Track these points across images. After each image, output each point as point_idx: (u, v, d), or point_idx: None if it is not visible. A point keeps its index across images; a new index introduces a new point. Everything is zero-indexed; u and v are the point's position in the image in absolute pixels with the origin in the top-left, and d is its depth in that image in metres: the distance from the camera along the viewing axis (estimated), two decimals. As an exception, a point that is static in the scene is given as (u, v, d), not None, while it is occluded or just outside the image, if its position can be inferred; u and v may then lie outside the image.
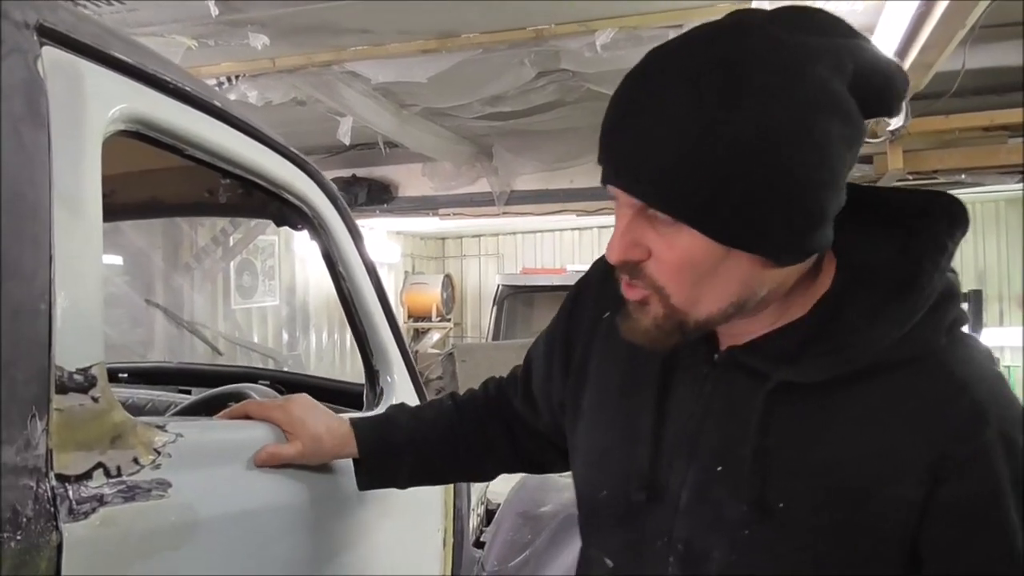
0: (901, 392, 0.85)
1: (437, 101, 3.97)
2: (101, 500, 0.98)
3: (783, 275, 0.87)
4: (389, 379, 1.67)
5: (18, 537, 0.88)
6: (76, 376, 0.98)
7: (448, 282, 10.05)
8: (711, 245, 0.83)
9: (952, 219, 0.91)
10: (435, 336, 9.45)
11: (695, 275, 0.85)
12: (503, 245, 10.95)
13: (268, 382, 1.94)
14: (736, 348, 0.94)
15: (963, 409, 0.83)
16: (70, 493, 0.95)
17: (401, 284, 9.84)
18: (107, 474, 1.00)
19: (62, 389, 0.96)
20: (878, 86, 0.83)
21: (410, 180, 5.72)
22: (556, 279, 6.53)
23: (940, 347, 0.87)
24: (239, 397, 1.79)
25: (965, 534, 0.83)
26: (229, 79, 3.30)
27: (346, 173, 5.62)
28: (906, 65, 2.86)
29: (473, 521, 2.37)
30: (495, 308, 6.05)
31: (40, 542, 0.90)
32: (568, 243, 10.66)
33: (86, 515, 0.95)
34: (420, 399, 1.75)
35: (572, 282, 5.07)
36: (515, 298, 6.17)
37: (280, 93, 3.44)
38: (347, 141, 4.07)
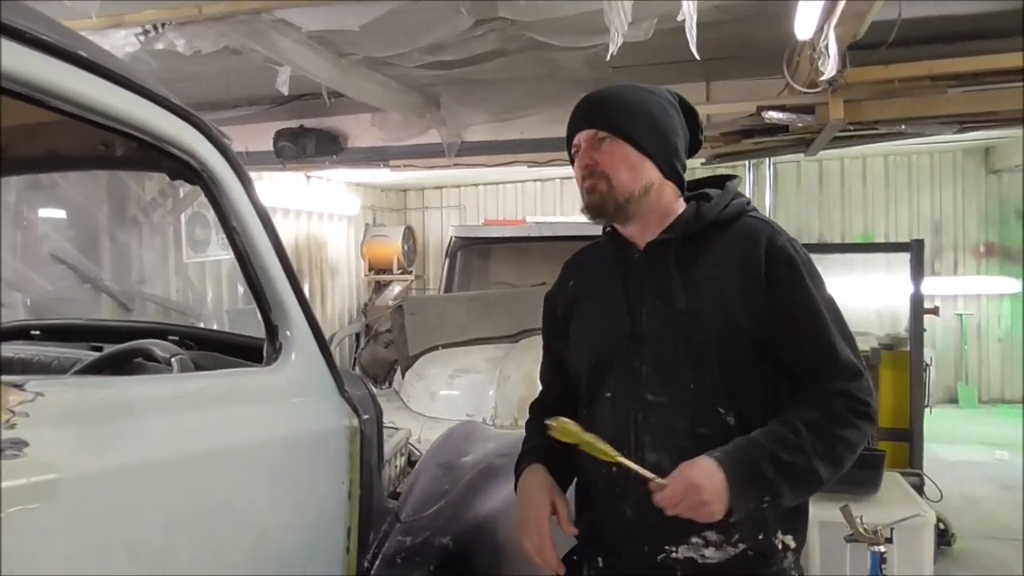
0: (735, 234, 1.67)
1: (376, 50, 3.89)
2: (-52, 459, 0.97)
3: (662, 182, 1.69)
4: (289, 334, 1.67)
5: None
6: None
7: (409, 234, 9.99)
8: (635, 152, 1.65)
9: (732, 179, 1.80)
10: (396, 288, 9.43)
11: (620, 163, 1.65)
12: (465, 197, 10.88)
13: (177, 338, 1.92)
14: (648, 243, 1.70)
15: (767, 230, 1.66)
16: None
17: (361, 236, 9.77)
18: (-45, 433, 0.99)
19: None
20: (691, 114, 1.80)
21: (360, 131, 5.65)
22: (514, 231, 6.50)
23: (746, 213, 1.71)
24: (142, 353, 1.78)
25: (788, 286, 1.60)
26: (155, 27, 3.22)
27: (293, 124, 5.53)
28: (836, 13, 2.85)
29: (391, 473, 2.39)
30: (447, 260, 6.02)
31: None
32: (530, 194, 10.61)
33: (-70, 474, 0.95)
34: (323, 354, 1.75)
35: (532, 234, 5.10)
36: (470, 250, 6.14)
37: (210, 42, 3.36)
38: (285, 91, 4.00)
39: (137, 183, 5.81)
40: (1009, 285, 9.43)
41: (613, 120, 1.67)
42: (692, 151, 1.80)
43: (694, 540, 1.59)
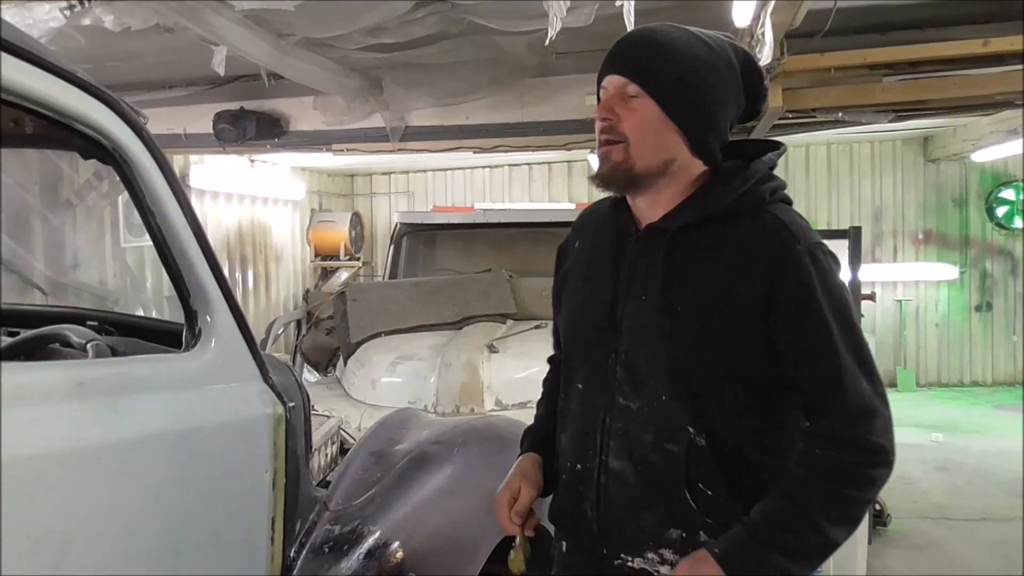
0: (747, 229, 1.43)
1: (313, 31, 3.81)
2: None
3: (690, 160, 1.47)
4: (208, 319, 1.62)
5: None
6: None
7: (357, 220, 9.87)
8: (665, 119, 1.43)
9: (775, 146, 1.55)
10: (344, 275, 9.31)
11: (643, 129, 1.43)
12: (413, 183, 10.78)
13: (96, 323, 1.86)
14: (649, 225, 1.51)
15: (783, 234, 1.41)
16: None
17: (307, 222, 9.63)
18: None
19: None
20: (755, 79, 1.54)
21: (301, 114, 5.54)
22: (460, 217, 6.45)
23: (767, 203, 1.46)
24: (57, 339, 1.72)
25: (795, 313, 1.38)
26: (81, 1, 3.10)
27: (233, 106, 5.41)
28: (772, 1, 2.86)
29: (320, 461, 2.35)
30: (392, 247, 5.95)
31: None
32: (479, 181, 10.55)
33: None
34: (246, 340, 1.71)
35: (480, 220, 5.07)
36: (416, 236, 6.08)
37: (139, 19, 3.25)
38: (222, 71, 3.90)
39: (70, 165, 5.63)
40: (946, 272, 9.68)
41: (648, 74, 1.42)
42: (746, 119, 1.59)
43: (649, 555, 1.50)
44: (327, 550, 1.89)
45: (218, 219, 7.78)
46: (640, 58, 1.44)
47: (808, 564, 1.37)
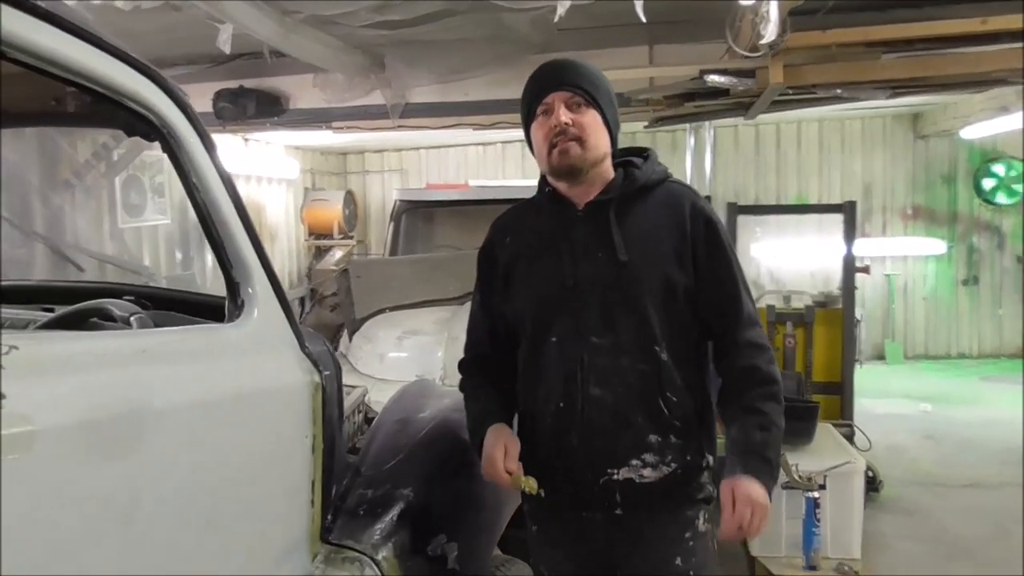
0: (663, 195, 1.94)
1: (321, 8, 3.84)
2: (-70, 410, 0.97)
3: (608, 149, 1.93)
4: (250, 291, 1.67)
5: None
6: None
7: (350, 198, 9.88)
8: (602, 122, 1.89)
9: (650, 151, 2.05)
10: (337, 254, 9.33)
11: (594, 130, 1.87)
12: (406, 160, 10.79)
13: (132, 297, 1.91)
14: (587, 203, 1.93)
15: (689, 195, 1.95)
16: None
17: (301, 200, 9.64)
18: (-68, 384, 0.99)
19: None
20: None
21: (302, 92, 5.56)
22: (456, 194, 6.50)
23: (668, 179, 1.98)
24: (99, 313, 1.77)
25: (708, 245, 1.89)
26: (93, -20, 3.12)
27: (233, 84, 5.41)
28: (778, -21, 2.92)
29: (349, 429, 2.42)
30: (392, 224, 5.99)
31: None
32: (472, 158, 10.58)
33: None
34: (283, 309, 1.76)
35: (474, 197, 5.15)
36: (414, 214, 6.12)
37: (150, -2, 3.28)
38: (227, 49, 3.91)
39: (70, 145, 5.62)
40: (934, 246, 9.81)
41: (589, 88, 1.87)
42: None
43: (633, 462, 1.88)
44: (362, 512, 1.96)
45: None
46: (582, 77, 1.88)
47: (779, 451, 1.87)
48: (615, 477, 1.88)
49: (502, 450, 1.90)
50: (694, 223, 1.89)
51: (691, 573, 1.93)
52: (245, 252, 1.67)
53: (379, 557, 1.89)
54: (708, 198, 2.06)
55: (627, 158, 1.99)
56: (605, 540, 1.95)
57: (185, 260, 7.35)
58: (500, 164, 10.47)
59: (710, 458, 1.97)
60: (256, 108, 5.35)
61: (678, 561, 1.92)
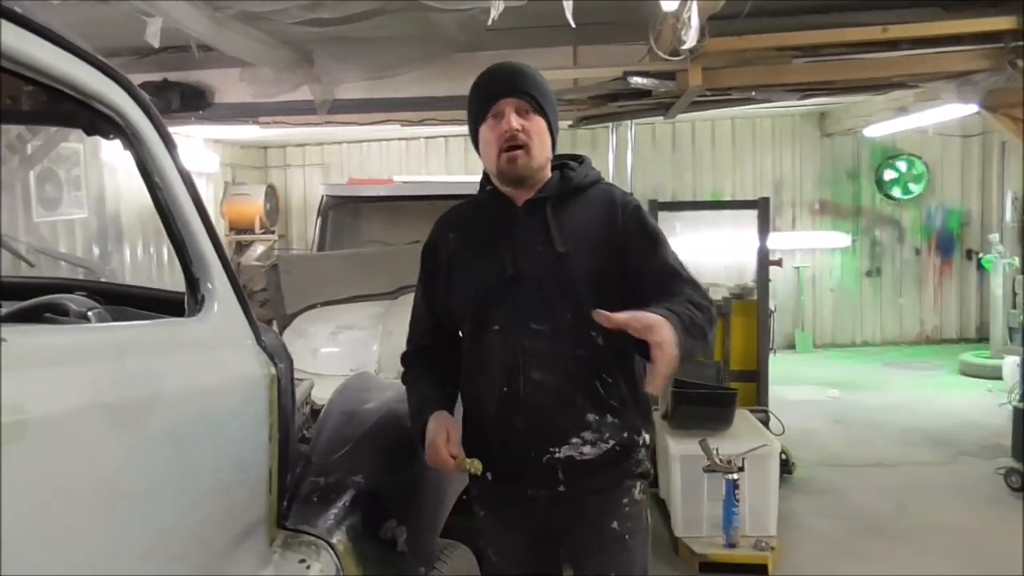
0: (595, 195, 2.08)
1: (252, 4, 3.85)
2: (-72, 401, 1.02)
3: (550, 153, 2.05)
4: (210, 286, 1.73)
5: None
6: None
7: (272, 193, 9.79)
8: (547, 128, 2.00)
9: (585, 158, 2.17)
10: (259, 248, 9.25)
11: (540, 137, 1.98)
12: (328, 155, 10.74)
13: (84, 293, 1.93)
14: (525, 200, 2.05)
15: (619, 194, 2.10)
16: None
17: (221, 195, 9.49)
18: (-70, 377, 1.04)
19: None
20: None
21: (227, 85, 5.52)
22: (383, 190, 6.52)
23: (600, 181, 2.12)
24: (54, 308, 1.79)
25: (639, 236, 2.02)
26: (20, -27, 3.07)
27: (157, 77, 5.34)
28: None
29: (298, 420, 2.48)
30: (319, 219, 5.97)
31: None
32: (395, 153, 10.60)
33: (-85, 414, 1.00)
34: (241, 304, 1.82)
35: (399, 193, 5.18)
36: (341, 209, 6.10)
37: (79, -10, 3.25)
38: (156, 43, 3.89)
39: (-19, 138, 5.45)
40: (840, 240, 10.31)
41: (537, 96, 1.97)
42: None
43: (573, 440, 1.99)
44: (315, 499, 2.03)
45: (131, 194, 7.61)
46: (531, 85, 1.98)
47: (695, 338, 1.85)
48: (557, 455, 1.99)
49: (444, 435, 1.99)
50: (624, 214, 2.03)
51: (626, 537, 2.06)
52: (205, 249, 1.72)
53: (334, 540, 1.97)
54: (630, 194, 2.17)
55: (563, 162, 2.12)
56: (549, 517, 2.07)
57: (104, 254, 7.19)
58: (423, 159, 10.52)
59: (647, 436, 2.09)
60: (181, 102, 5.29)
61: (614, 524, 2.05)
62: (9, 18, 1.29)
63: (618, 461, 2.03)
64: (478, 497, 2.19)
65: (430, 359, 2.20)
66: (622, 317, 1.74)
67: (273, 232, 9.63)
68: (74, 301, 1.78)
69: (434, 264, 2.16)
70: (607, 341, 1.97)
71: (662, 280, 2.00)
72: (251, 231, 9.40)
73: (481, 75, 2.04)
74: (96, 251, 7.13)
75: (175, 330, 1.65)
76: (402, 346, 4.13)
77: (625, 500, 2.07)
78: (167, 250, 8.26)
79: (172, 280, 8.54)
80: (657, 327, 1.72)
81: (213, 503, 1.66)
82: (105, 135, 1.64)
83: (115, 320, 1.74)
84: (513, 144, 1.95)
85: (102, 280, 3.01)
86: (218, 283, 1.75)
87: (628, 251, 2.02)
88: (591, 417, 2.00)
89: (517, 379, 2.00)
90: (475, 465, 2.01)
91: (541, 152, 2.00)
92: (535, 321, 1.99)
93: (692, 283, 2.00)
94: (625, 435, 2.03)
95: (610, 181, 2.23)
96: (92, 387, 1.30)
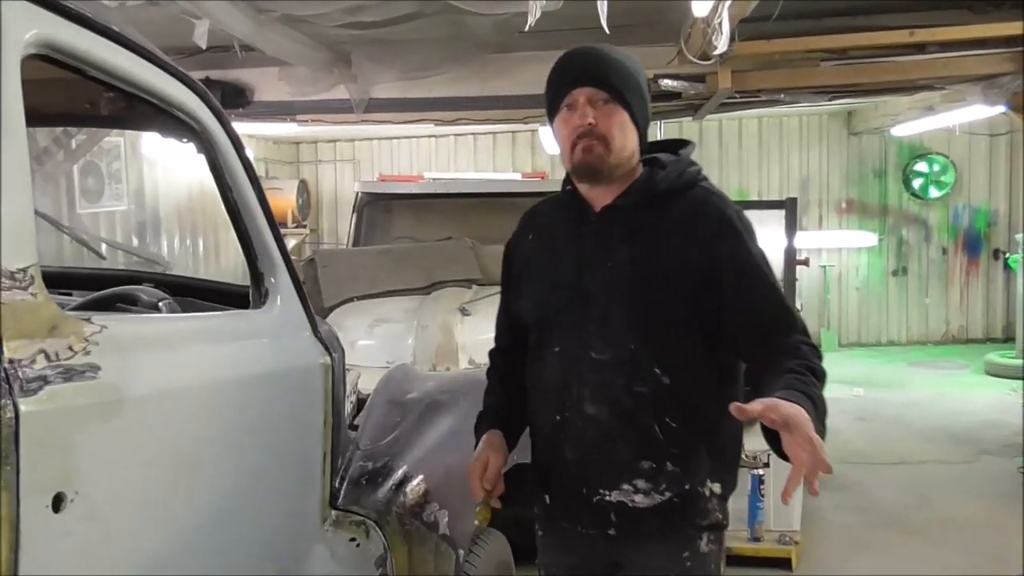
0: (687, 202, 1.78)
1: (296, 8, 3.99)
2: (45, 380, 1.16)
3: (636, 147, 1.78)
4: (273, 280, 1.86)
5: (-18, 409, 1.06)
6: (17, 275, 1.14)
7: (304, 187, 9.96)
8: (630, 120, 1.74)
9: (683, 143, 1.90)
10: (291, 242, 9.41)
11: (620, 130, 1.73)
12: (359, 151, 10.89)
13: (152, 284, 2.07)
14: (603, 207, 1.80)
15: (717, 203, 1.78)
16: (20, 373, 1.12)
17: (254, 189, 9.66)
18: (47, 359, 1.18)
19: (5, 286, 1.12)
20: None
21: (266, 84, 5.67)
22: (415, 187, 6.66)
23: (696, 182, 1.82)
24: (128, 299, 1.93)
25: (735, 262, 1.71)
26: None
27: (199, 76, 5.49)
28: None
29: (347, 408, 2.61)
30: (355, 215, 6.12)
31: (-1, 413, 1.08)
32: (425, 150, 10.72)
33: (35, 391, 1.14)
34: (300, 297, 1.95)
35: (429, 190, 5.31)
36: (374, 205, 6.26)
37: (136, -6, 3.40)
38: (203, 44, 4.04)
39: (29, 133, 5.63)
40: (866, 239, 10.31)
41: (617, 84, 1.73)
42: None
43: (624, 487, 1.75)
44: (364, 482, 2.16)
45: (169, 187, 7.80)
46: (611, 73, 1.74)
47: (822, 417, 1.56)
48: (607, 498, 1.77)
49: (483, 464, 1.85)
50: (720, 232, 1.72)
51: None
52: (270, 246, 1.85)
53: (382, 521, 2.10)
54: (733, 203, 1.85)
55: (656, 154, 1.82)
56: (599, 555, 1.86)
57: (142, 246, 7.38)
58: (452, 156, 10.64)
59: (716, 486, 1.78)
60: (222, 99, 5.43)
61: None
62: (104, 34, 1.42)
63: (678, 512, 1.77)
64: (539, 516, 1.99)
65: (504, 362, 2.05)
66: (756, 408, 1.42)
67: (305, 226, 9.79)
68: (144, 292, 1.92)
69: (509, 266, 2.00)
70: (675, 380, 1.71)
71: (767, 326, 1.68)
72: (283, 225, 9.57)
73: (557, 61, 1.81)
74: (135, 242, 7.32)
75: (243, 321, 1.79)
76: (436, 340, 4.31)
77: (687, 553, 1.79)
78: (203, 242, 8.46)
79: (206, 271, 8.72)
80: (796, 424, 1.39)
81: (279, 481, 1.80)
82: (179, 138, 1.78)
83: (183, 311, 1.88)
84: (591, 137, 1.72)
85: (166, 272, 3.16)
86: (281, 278, 1.88)
87: (720, 281, 1.70)
88: (645, 464, 1.74)
89: (570, 409, 1.78)
90: (484, 515, 2.08)
91: (622, 146, 1.73)
92: (595, 348, 1.74)
93: (803, 329, 1.70)
94: (687, 486, 1.75)
95: (715, 187, 1.86)
96: (177, 371, 1.44)
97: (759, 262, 1.73)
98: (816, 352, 1.64)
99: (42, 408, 1.13)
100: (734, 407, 1.44)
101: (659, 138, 2.00)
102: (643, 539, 1.79)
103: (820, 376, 1.58)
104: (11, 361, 1.11)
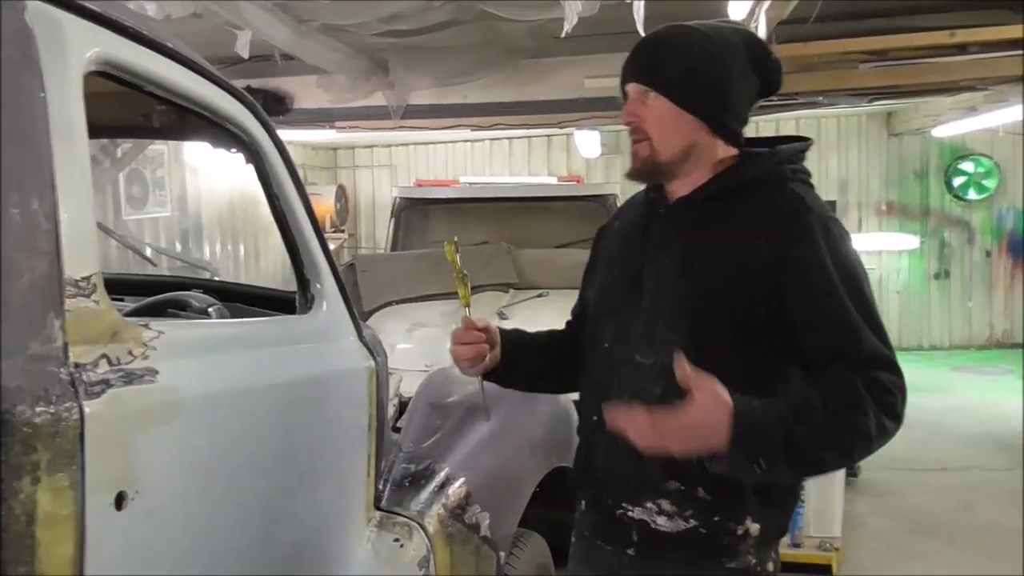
0: (765, 201, 1.56)
1: (336, 18, 4.06)
2: (107, 383, 1.21)
3: (711, 141, 1.59)
4: (319, 286, 1.91)
5: (50, 410, 1.11)
6: (80, 283, 1.20)
7: (342, 193, 10.08)
8: (679, 111, 1.56)
9: (802, 143, 1.68)
10: (330, 247, 9.52)
11: (660, 126, 1.57)
12: (395, 156, 10.99)
13: (202, 290, 2.13)
14: (676, 199, 1.65)
15: (797, 206, 1.54)
16: (84, 377, 1.18)
17: (293, 195, 9.79)
18: (109, 363, 1.23)
19: (70, 294, 1.17)
20: (760, 55, 1.63)
21: (305, 92, 5.76)
22: (451, 192, 6.72)
23: (788, 181, 1.59)
24: (179, 304, 1.99)
25: (805, 278, 1.49)
26: (128, -7, 3.31)
27: (240, 84, 5.60)
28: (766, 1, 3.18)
29: (390, 411, 2.66)
30: (393, 220, 6.20)
31: (66, 415, 1.13)
32: (460, 155, 10.79)
33: (98, 395, 1.19)
34: (345, 303, 2.00)
35: (465, 195, 5.38)
36: (411, 210, 6.34)
37: (180, 7, 3.48)
38: (246, 55, 4.12)
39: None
40: (907, 241, 10.17)
41: (660, 75, 1.57)
42: (767, 92, 1.68)
43: (648, 505, 1.60)
44: (407, 484, 2.20)
45: (211, 194, 7.95)
46: (655, 63, 1.59)
47: (788, 464, 1.40)
48: (630, 514, 1.63)
49: (483, 347, 1.75)
50: (791, 244, 1.49)
51: None
52: (316, 253, 1.90)
53: (425, 522, 2.14)
54: (826, 208, 1.60)
55: (758, 149, 1.63)
56: (620, 574, 1.71)
57: (184, 251, 7.53)
58: (488, 160, 10.69)
59: (755, 527, 1.57)
60: (263, 107, 5.52)
61: None
62: (159, 51, 1.48)
63: (702, 545, 1.59)
64: (576, 522, 1.84)
65: (562, 332, 1.92)
66: (686, 369, 1.34)
67: (343, 231, 9.90)
68: (194, 298, 1.98)
69: (592, 250, 1.89)
70: None
71: (826, 349, 1.47)
72: (322, 230, 9.68)
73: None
74: (178, 247, 7.47)
75: (291, 326, 1.83)
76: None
77: None
78: (243, 247, 8.61)
79: (247, 275, 8.85)
80: (704, 399, 1.32)
81: (326, 482, 1.85)
82: (228, 148, 1.84)
83: (230, 316, 1.93)
84: (635, 137, 1.61)
85: (213, 278, 3.24)
86: (326, 283, 1.93)
87: (785, 289, 1.50)
88: (672, 485, 1.57)
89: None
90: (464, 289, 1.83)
91: (668, 140, 1.57)
92: (640, 351, 1.60)
93: (873, 359, 1.44)
94: (716, 519, 1.56)
95: (810, 189, 1.62)
96: (231, 374, 1.48)
97: (834, 277, 1.47)
98: (878, 391, 1.41)
99: (105, 410, 1.18)
100: (679, 360, 1.34)
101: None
102: (663, 565, 1.62)
103: (841, 414, 1.38)
104: (76, 365, 1.17)
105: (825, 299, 1.47)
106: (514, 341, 1.83)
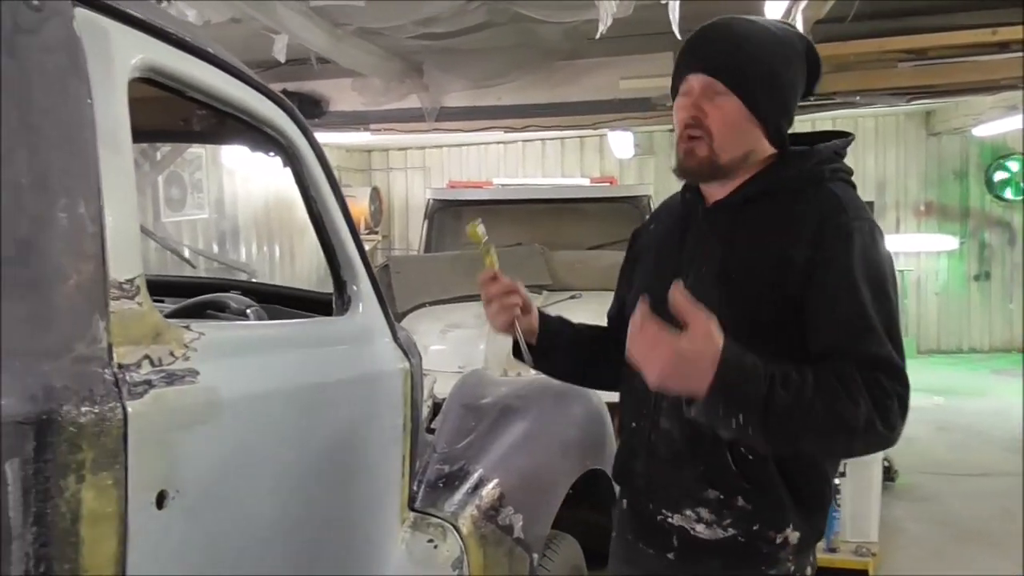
0: (803, 202, 1.52)
1: (372, 22, 4.09)
2: (150, 384, 1.23)
3: (765, 147, 1.55)
4: (355, 288, 1.92)
5: (95, 410, 1.13)
6: (124, 285, 1.22)
7: (376, 195, 10.15)
8: (748, 115, 1.50)
9: (842, 135, 1.64)
10: (364, 248, 9.60)
11: (727, 126, 1.51)
12: (429, 158, 11.05)
13: (239, 292, 2.16)
14: (715, 202, 1.61)
15: (834, 206, 1.50)
16: (127, 377, 1.20)
17: (328, 197, 9.89)
18: (152, 364, 1.26)
19: (114, 296, 1.20)
20: (815, 62, 1.61)
21: (340, 95, 5.81)
22: (484, 194, 6.74)
23: (826, 180, 1.54)
24: (218, 306, 2.02)
25: (828, 277, 1.44)
26: (168, -1, 3.38)
27: (277, 87, 5.67)
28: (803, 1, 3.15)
29: (424, 412, 2.67)
30: (426, 222, 6.23)
31: (110, 415, 1.15)
32: (493, 156, 10.82)
33: (140, 395, 1.21)
34: (381, 305, 2.01)
35: (498, 196, 5.38)
36: (445, 212, 6.37)
37: (219, 13, 3.54)
38: (282, 58, 4.18)
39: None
40: (946, 242, 10.01)
41: (735, 73, 1.50)
42: (803, 95, 1.64)
43: (687, 512, 1.59)
44: (441, 485, 2.21)
45: (247, 196, 8.06)
46: (726, 57, 1.50)
47: (764, 427, 1.34)
48: (670, 520, 1.62)
49: (517, 310, 1.74)
50: (821, 245, 1.46)
51: None
52: (352, 255, 1.92)
53: (459, 523, 2.15)
54: (862, 209, 1.55)
55: (798, 147, 1.58)
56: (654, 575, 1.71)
57: (221, 253, 7.64)
58: (521, 162, 10.71)
59: (794, 535, 1.55)
60: (299, 110, 5.59)
61: None
62: (201, 57, 1.50)
63: (742, 554, 1.57)
64: (616, 520, 1.84)
65: (604, 336, 1.85)
66: (679, 296, 1.31)
67: (377, 232, 9.98)
68: (232, 299, 2.01)
69: (629, 251, 1.85)
70: None
71: (836, 349, 1.42)
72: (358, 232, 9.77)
73: (692, 33, 1.59)
74: (215, 249, 7.58)
75: (328, 327, 1.85)
76: (507, 346, 4.34)
77: None
78: (279, 248, 8.71)
79: (282, 276, 8.96)
80: (697, 331, 1.30)
81: (361, 482, 1.86)
82: (267, 152, 1.87)
83: (268, 318, 1.96)
84: (692, 133, 1.53)
85: (252, 280, 3.28)
86: (362, 286, 1.95)
87: (806, 291, 1.46)
88: (712, 494, 1.56)
89: (646, 419, 1.64)
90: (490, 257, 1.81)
91: (731, 144, 1.52)
92: None
93: (883, 363, 1.39)
94: (756, 527, 1.54)
95: (846, 189, 1.57)
96: (271, 375, 1.51)
97: (858, 277, 1.43)
98: (878, 391, 1.36)
99: (147, 410, 1.21)
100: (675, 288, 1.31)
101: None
102: (704, 570, 1.61)
103: (837, 395, 1.34)
104: (120, 366, 1.19)
105: (845, 295, 1.43)
106: (554, 322, 1.83)
